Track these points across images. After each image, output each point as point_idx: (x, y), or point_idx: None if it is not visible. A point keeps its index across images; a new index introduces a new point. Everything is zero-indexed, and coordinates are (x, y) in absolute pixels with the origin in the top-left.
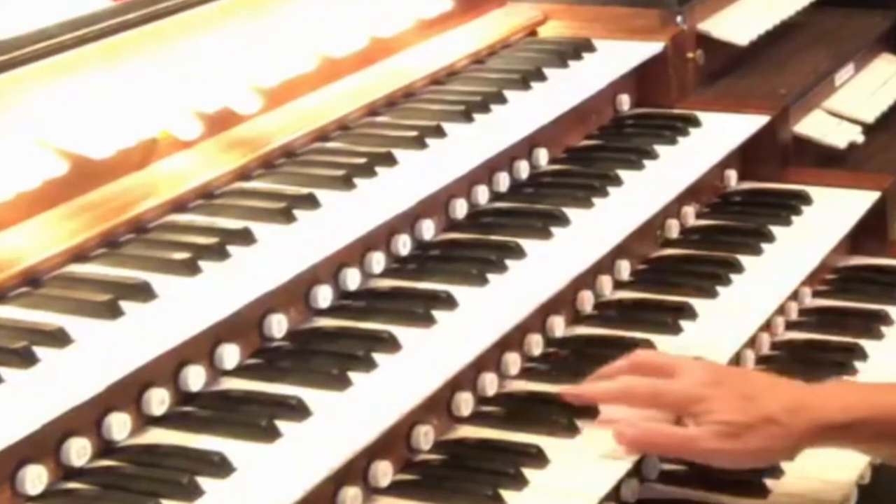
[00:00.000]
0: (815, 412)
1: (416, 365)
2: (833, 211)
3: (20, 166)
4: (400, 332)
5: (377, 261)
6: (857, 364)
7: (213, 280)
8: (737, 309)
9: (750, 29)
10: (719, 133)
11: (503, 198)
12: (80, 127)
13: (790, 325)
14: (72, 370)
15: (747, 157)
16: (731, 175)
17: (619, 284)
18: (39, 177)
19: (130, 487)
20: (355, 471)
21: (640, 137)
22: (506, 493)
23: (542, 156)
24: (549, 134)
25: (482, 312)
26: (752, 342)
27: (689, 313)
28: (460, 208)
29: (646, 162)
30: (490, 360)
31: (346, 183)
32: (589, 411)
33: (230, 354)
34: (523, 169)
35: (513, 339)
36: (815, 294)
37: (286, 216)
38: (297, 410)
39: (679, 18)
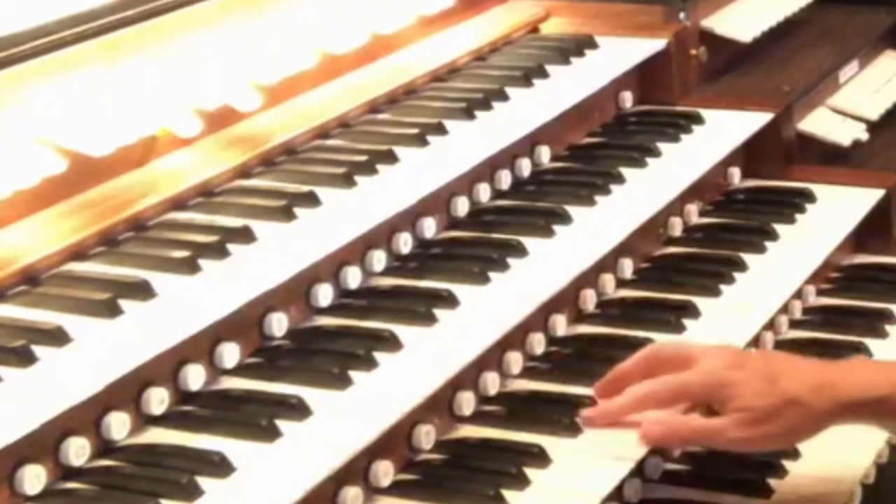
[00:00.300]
0: (837, 390)
1: (418, 364)
2: (837, 209)
3: (19, 164)
4: (401, 330)
5: (378, 259)
6: None
7: (212, 278)
8: (740, 308)
9: (753, 26)
10: (722, 130)
11: (505, 196)
12: (80, 124)
13: (794, 324)
14: (71, 369)
15: (751, 154)
16: (735, 173)
17: (621, 283)
18: (38, 174)
19: (130, 487)
20: (356, 470)
21: (643, 135)
22: (507, 493)
23: (545, 153)
24: (551, 131)
25: (484, 311)
26: (755, 341)
27: (693, 312)
28: (462, 206)
29: (648, 159)
30: (492, 359)
31: (346, 181)
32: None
33: (230, 353)
34: (525, 166)
35: (515, 338)
36: (820, 293)
37: (286, 214)
38: (298, 410)
39: (682, 15)
